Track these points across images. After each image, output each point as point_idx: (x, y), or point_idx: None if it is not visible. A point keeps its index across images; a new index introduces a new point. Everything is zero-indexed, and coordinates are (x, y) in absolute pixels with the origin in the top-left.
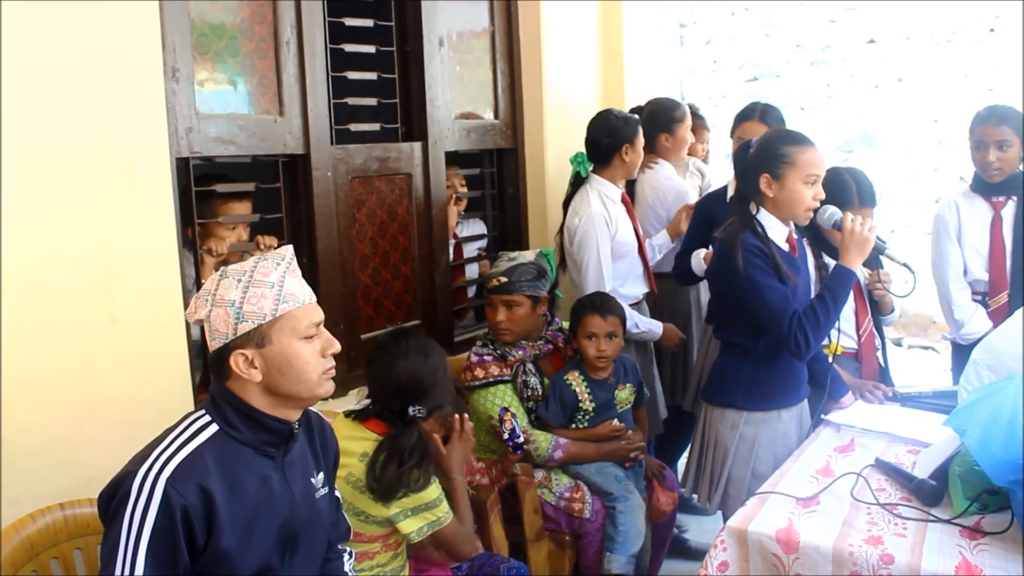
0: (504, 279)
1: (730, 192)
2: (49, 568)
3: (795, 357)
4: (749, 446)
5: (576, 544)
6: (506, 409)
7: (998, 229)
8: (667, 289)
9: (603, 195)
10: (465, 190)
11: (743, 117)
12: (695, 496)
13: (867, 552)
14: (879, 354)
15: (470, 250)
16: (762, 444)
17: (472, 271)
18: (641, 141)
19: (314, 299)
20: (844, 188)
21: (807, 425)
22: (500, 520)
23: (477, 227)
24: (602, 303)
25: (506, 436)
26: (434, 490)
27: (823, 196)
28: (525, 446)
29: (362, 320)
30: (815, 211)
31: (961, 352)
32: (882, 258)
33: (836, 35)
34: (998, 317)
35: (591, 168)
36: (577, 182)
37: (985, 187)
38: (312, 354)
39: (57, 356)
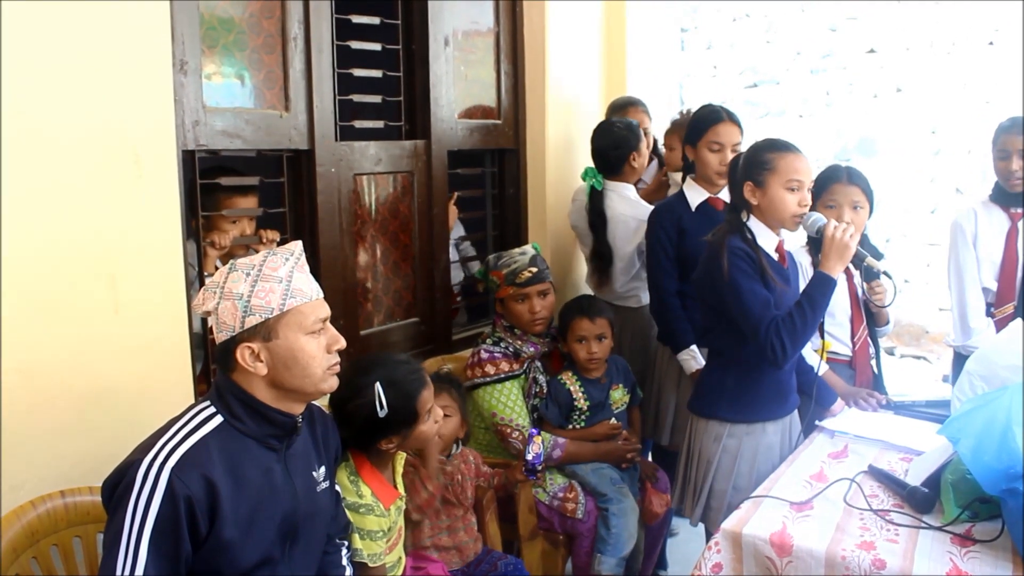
0: (534, 269)
1: (693, 198)
2: (49, 555)
3: (772, 364)
4: (732, 458)
5: (569, 544)
6: (538, 431)
7: (1013, 240)
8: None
9: (631, 197)
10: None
11: (712, 121)
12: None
13: (859, 557)
14: (873, 362)
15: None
16: (744, 457)
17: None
18: (644, 142)
19: (321, 295)
20: (835, 169)
21: (796, 437)
22: (496, 518)
23: (458, 229)
24: (589, 306)
25: (530, 456)
26: (374, 522)
27: (808, 202)
28: (538, 474)
29: (361, 316)
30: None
31: (961, 361)
32: (867, 268)
33: (836, 44)
34: (1003, 328)
35: (604, 178)
36: (595, 196)
37: (1005, 197)
38: (318, 349)
39: (60, 344)
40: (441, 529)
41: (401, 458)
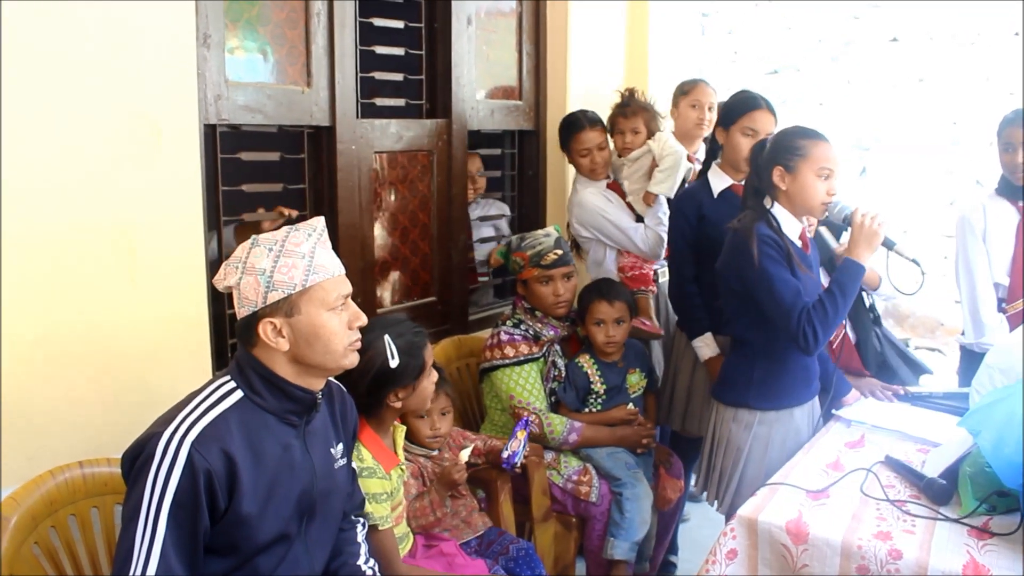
0: (560, 251)
1: (716, 185)
2: (67, 524)
3: (803, 352)
4: (763, 445)
5: (582, 526)
6: (525, 423)
7: (1022, 234)
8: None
9: (577, 188)
10: (482, 169)
11: (750, 107)
12: (705, 494)
13: (876, 547)
14: (877, 343)
15: (481, 231)
16: (775, 443)
17: (481, 252)
18: (579, 145)
19: (343, 271)
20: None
21: (817, 418)
22: (509, 499)
23: (494, 208)
24: (608, 289)
25: (505, 454)
26: (376, 484)
27: (836, 191)
28: (517, 467)
29: (379, 294)
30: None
31: (970, 358)
32: (897, 254)
33: (858, 32)
34: (1015, 323)
35: None
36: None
37: (1012, 190)
38: (339, 326)
39: (79, 316)
40: (446, 514)
41: (401, 431)
